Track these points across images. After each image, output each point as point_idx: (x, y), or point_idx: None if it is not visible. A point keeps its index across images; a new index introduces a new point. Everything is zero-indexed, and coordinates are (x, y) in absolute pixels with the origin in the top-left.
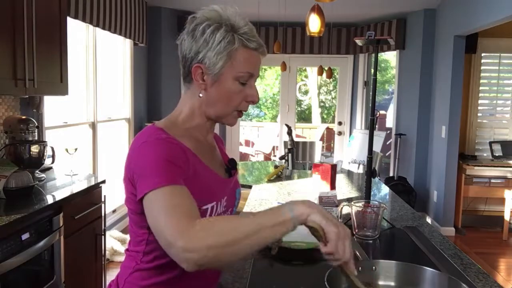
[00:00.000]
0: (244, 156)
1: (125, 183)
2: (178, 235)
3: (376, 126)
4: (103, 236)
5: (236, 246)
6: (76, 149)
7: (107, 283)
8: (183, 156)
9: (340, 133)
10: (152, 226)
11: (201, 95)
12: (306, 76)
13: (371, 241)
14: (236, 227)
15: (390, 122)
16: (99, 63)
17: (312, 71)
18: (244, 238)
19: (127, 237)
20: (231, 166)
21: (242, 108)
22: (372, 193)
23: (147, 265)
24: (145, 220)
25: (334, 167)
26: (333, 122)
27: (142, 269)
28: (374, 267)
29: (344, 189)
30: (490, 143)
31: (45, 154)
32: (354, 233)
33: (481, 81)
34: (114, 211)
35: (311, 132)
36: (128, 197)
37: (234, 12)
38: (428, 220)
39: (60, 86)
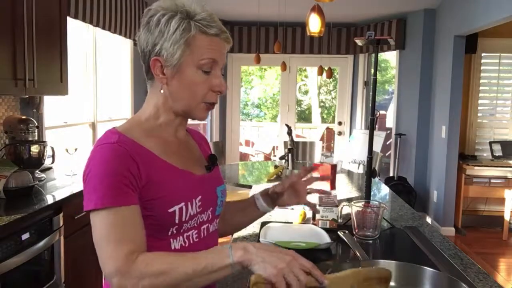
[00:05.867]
0: (244, 156)
1: None
2: (115, 270)
3: (376, 126)
4: None
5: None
6: (76, 149)
7: None
8: (132, 163)
9: (340, 133)
10: (96, 247)
11: (162, 90)
12: (306, 76)
13: (371, 241)
14: (176, 268)
15: (390, 122)
16: (99, 63)
17: (312, 71)
18: (183, 280)
19: None
20: (210, 163)
21: (210, 100)
22: (372, 193)
23: None
24: None
25: (334, 167)
26: (333, 122)
27: None
28: (374, 267)
29: (344, 189)
30: (490, 143)
31: (45, 154)
32: (354, 233)
33: (481, 81)
34: None
35: (311, 132)
36: None
37: (189, 0)
38: (428, 220)
39: (60, 86)
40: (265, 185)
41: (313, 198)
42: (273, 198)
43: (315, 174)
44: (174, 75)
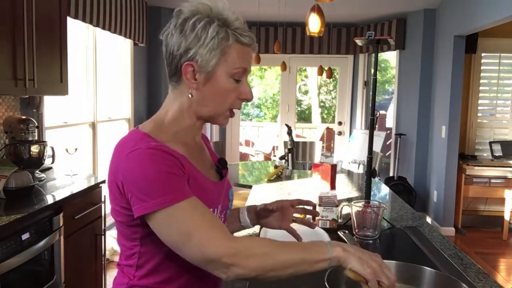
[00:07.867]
0: (244, 156)
1: (111, 195)
2: (223, 249)
3: (376, 126)
4: (103, 236)
5: (277, 272)
6: (76, 149)
7: (107, 283)
8: (179, 165)
9: (340, 133)
10: (175, 243)
11: (192, 94)
12: (306, 76)
13: (371, 241)
14: (278, 252)
15: (390, 122)
16: (99, 63)
17: (312, 71)
18: (286, 267)
19: None
20: (221, 167)
21: (236, 107)
22: (372, 193)
23: (141, 281)
24: (136, 232)
25: (334, 167)
26: (333, 122)
27: (136, 285)
28: None
29: (344, 189)
30: (490, 143)
31: (45, 154)
32: (354, 233)
33: (481, 81)
34: None
35: (311, 132)
36: (116, 209)
37: (224, 6)
38: (428, 220)
39: (60, 86)
40: (265, 185)
41: (313, 198)
42: (258, 216)
43: (315, 175)
44: (207, 82)
